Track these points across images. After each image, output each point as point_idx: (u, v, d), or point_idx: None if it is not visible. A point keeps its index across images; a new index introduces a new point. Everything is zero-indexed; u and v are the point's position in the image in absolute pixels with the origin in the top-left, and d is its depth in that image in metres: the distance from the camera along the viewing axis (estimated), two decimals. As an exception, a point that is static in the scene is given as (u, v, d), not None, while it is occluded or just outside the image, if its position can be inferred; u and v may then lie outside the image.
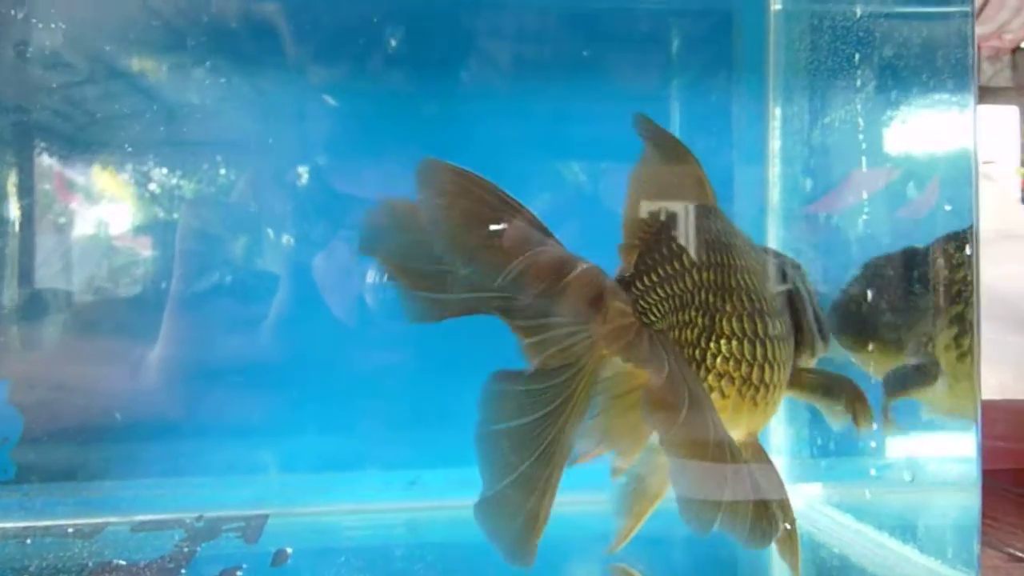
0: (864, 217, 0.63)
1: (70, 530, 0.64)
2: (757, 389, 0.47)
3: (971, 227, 0.50)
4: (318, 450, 0.73)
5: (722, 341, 0.45)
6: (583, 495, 0.71)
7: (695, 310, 0.45)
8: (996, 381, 0.84)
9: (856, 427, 0.52)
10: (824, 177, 0.68)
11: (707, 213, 0.48)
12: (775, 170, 0.73)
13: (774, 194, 0.73)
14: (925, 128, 0.55)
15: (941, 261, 0.53)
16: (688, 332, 0.45)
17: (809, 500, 0.70)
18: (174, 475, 0.70)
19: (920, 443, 0.61)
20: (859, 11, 0.59)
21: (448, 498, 0.71)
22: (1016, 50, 2.72)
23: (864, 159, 0.61)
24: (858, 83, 0.60)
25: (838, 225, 0.69)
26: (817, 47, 0.65)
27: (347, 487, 0.71)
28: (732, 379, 0.46)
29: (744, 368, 0.46)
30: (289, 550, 0.60)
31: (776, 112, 0.72)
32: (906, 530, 0.57)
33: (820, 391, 0.54)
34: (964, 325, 0.53)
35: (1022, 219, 0.91)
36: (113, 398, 0.70)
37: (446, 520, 0.70)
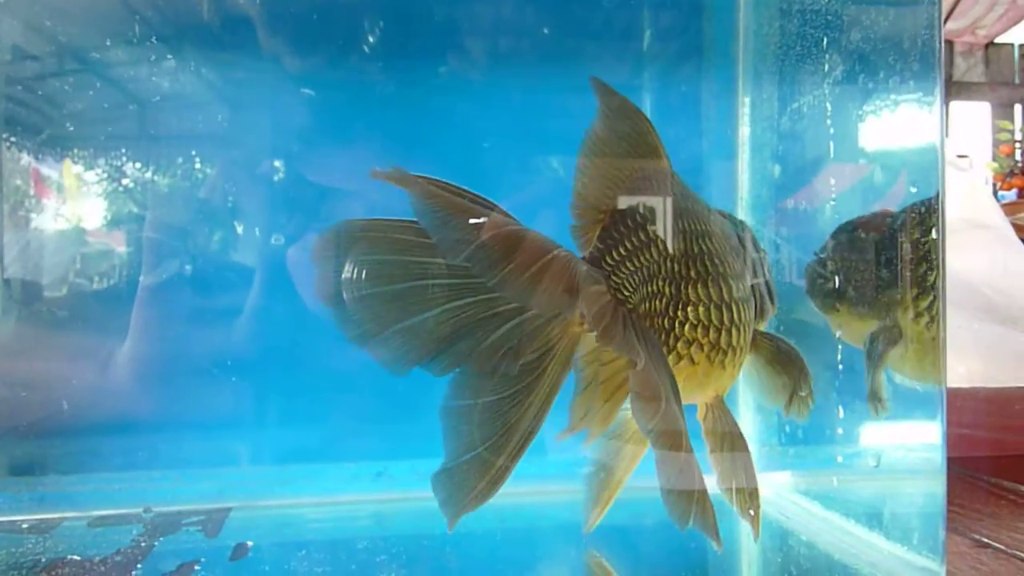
0: (831, 204, 0.63)
1: (25, 526, 0.63)
2: (725, 353, 0.46)
3: (937, 194, 0.50)
4: (283, 442, 0.71)
5: (689, 308, 0.45)
6: (554, 485, 0.71)
7: (662, 280, 0.44)
8: (964, 369, 0.84)
9: (786, 407, 0.52)
10: (793, 164, 0.68)
11: (665, 178, 0.47)
12: (745, 157, 0.73)
13: (744, 182, 0.73)
14: (892, 112, 0.55)
15: (909, 226, 0.53)
16: (657, 303, 0.44)
17: (778, 488, 0.69)
18: (134, 469, 0.68)
19: (886, 430, 0.61)
20: (828, -4, 0.59)
21: (415, 489, 0.70)
22: (989, 46, 2.75)
23: (832, 145, 0.60)
24: (826, 68, 0.60)
25: (808, 215, 0.69)
26: (786, 32, 0.65)
27: (312, 479, 0.70)
28: (701, 345, 0.45)
29: (712, 334, 0.46)
30: (249, 543, 0.59)
31: (746, 100, 0.72)
32: (872, 517, 0.57)
33: (769, 357, 0.53)
34: (929, 290, 0.53)
35: (989, 208, 0.92)
36: (71, 391, 0.69)
37: (413, 512, 0.69)
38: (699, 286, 0.45)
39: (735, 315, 0.47)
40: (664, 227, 0.45)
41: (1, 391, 0.67)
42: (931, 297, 0.53)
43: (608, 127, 0.45)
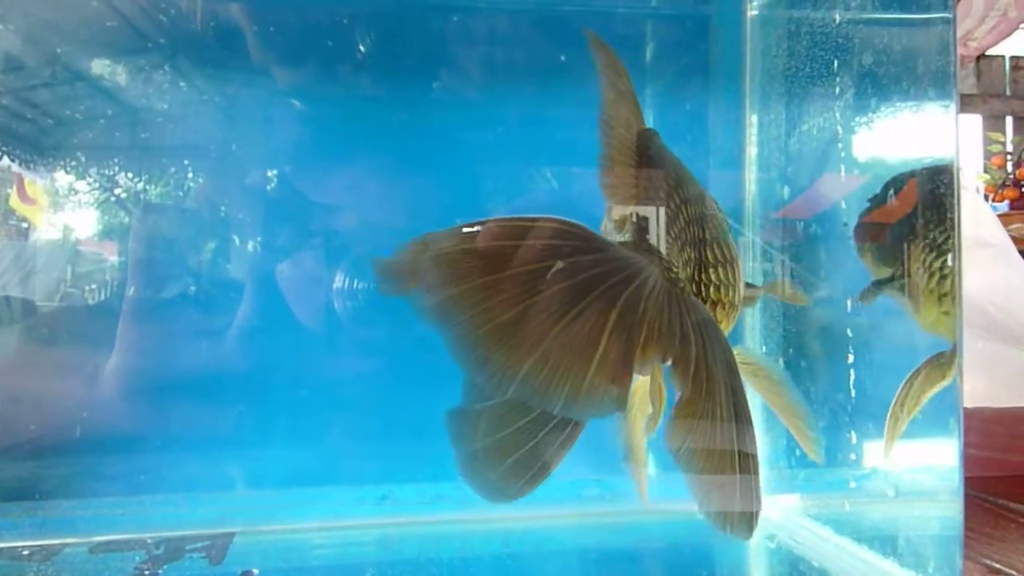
0: (844, 221, 0.62)
1: (25, 552, 0.61)
2: (735, 309, 0.46)
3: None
4: (285, 464, 0.70)
5: (710, 270, 0.44)
6: (560, 509, 0.71)
7: (690, 246, 0.44)
8: (967, 388, 0.84)
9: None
10: (802, 184, 0.68)
11: (657, 138, 0.47)
12: (751, 177, 0.73)
13: (750, 202, 0.73)
14: (905, 135, 0.55)
15: (928, 187, 0.53)
16: (689, 269, 0.43)
17: (787, 511, 0.69)
18: (135, 493, 0.67)
19: (901, 452, 0.61)
20: (838, 17, 0.59)
21: (422, 514, 0.69)
22: (980, 58, 2.77)
23: (843, 167, 0.60)
24: (836, 90, 0.59)
25: (815, 231, 0.69)
26: (794, 53, 0.65)
27: (316, 503, 0.69)
28: (723, 305, 0.45)
29: (726, 292, 0.45)
30: (256, 571, 0.58)
31: (753, 119, 0.72)
32: (886, 542, 0.57)
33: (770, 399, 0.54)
34: (942, 250, 0.52)
35: (992, 226, 0.92)
36: (70, 411, 0.68)
37: (420, 537, 0.68)
38: (713, 247, 0.45)
39: (736, 272, 0.47)
40: (682, 190, 0.44)
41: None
42: (946, 258, 0.52)
43: (611, 88, 0.44)
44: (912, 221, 0.54)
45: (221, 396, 0.69)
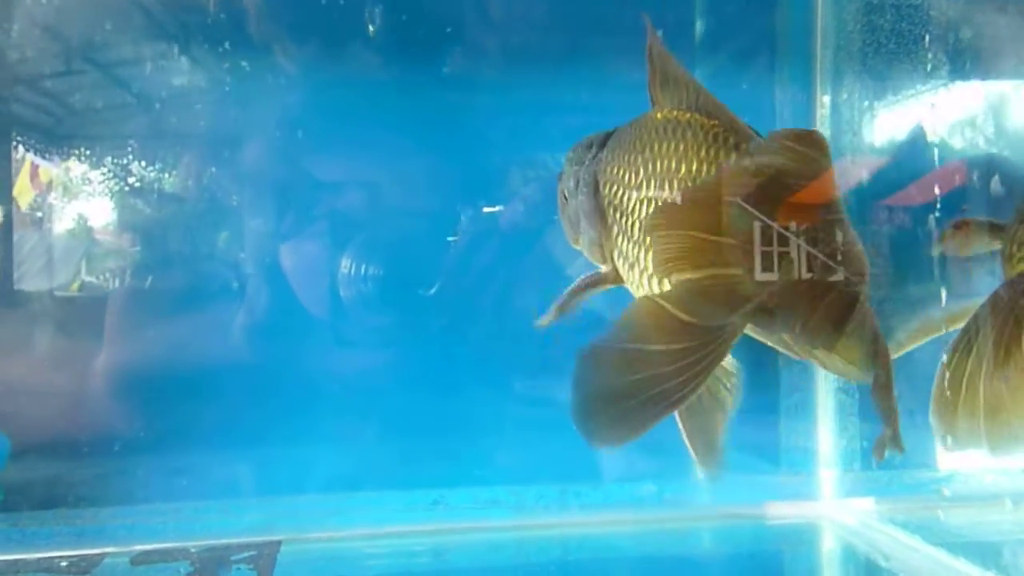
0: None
1: (63, 563, 0.59)
2: None
3: None
4: (333, 468, 0.67)
5: None
6: (618, 514, 0.67)
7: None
8: None
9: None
10: (883, 170, 0.63)
11: None
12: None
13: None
14: (1005, 119, 0.50)
15: None
16: None
17: (863, 517, 0.65)
18: (176, 499, 0.64)
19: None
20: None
21: (475, 519, 0.66)
22: None
23: (937, 152, 0.56)
24: (928, 67, 0.55)
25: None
26: (875, 27, 0.60)
27: (365, 508, 0.66)
28: None
29: None
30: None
31: (824, 100, 0.67)
32: (985, 552, 0.53)
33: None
34: None
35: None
36: (106, 412, 0.65)
37: (473, 544, 0.65)
38: None
39: None
40: None
41: (32, 406, 0.64)
42: None
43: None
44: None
45: (264, 397, 0.66)
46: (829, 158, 0.32)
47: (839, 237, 0.33)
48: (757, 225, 0.33)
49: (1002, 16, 0.49)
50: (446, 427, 0.67)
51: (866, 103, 0.64)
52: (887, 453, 0.42)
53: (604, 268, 0.45)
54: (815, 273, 0.33)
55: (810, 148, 0.32)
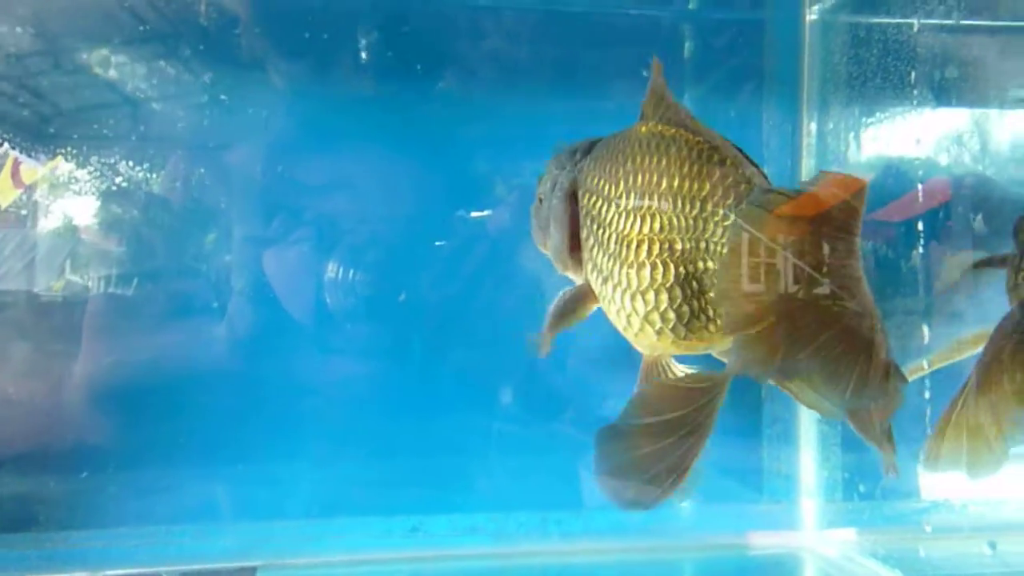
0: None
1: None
2: None
3: None
4: (310, 492, 0.66)
5: None
6: (601, 543, 0.67)
7: None
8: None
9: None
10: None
11: None
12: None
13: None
14: (992, 147, 0.50)
15: None
16: None
17: (844, 548, 0.65)
18: (150, 522, 0.63)
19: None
20: (916, 24, 0.54)
21: (455, 547, 0.65)
22: None
23: (920, 177, 0.56)
24: (913, 100, 0.55)
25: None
26: (861, 60, 0.60)
27: (342, 534, 0.65)
28: None
29: None
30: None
31: (811, 128, 0.67)
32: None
33: None
34: None
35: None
36: (78, 426, 0.63)
37: (453, 572, 0.64)
38: None
39: None
40: None
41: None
42: None
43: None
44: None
45: (242, 418, 0.65)
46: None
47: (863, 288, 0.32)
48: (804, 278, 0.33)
49: (987, 52, 0.49)
50: (426, 451, 0.67)
51: (852, 133, 0.64)
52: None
53: (576, 279, 0.45)
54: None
55: (852, 196, 0.32)
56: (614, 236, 0.40)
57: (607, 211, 0.41)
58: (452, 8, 0.70)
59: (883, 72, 0.57)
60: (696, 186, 0.37)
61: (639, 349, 0.42)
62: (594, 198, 0.42)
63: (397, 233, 0.68)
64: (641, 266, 0.39)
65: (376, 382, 0.67)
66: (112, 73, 0.64)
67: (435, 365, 0.68)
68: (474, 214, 0.69)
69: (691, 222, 0.37)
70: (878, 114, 0.60)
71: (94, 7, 0.63)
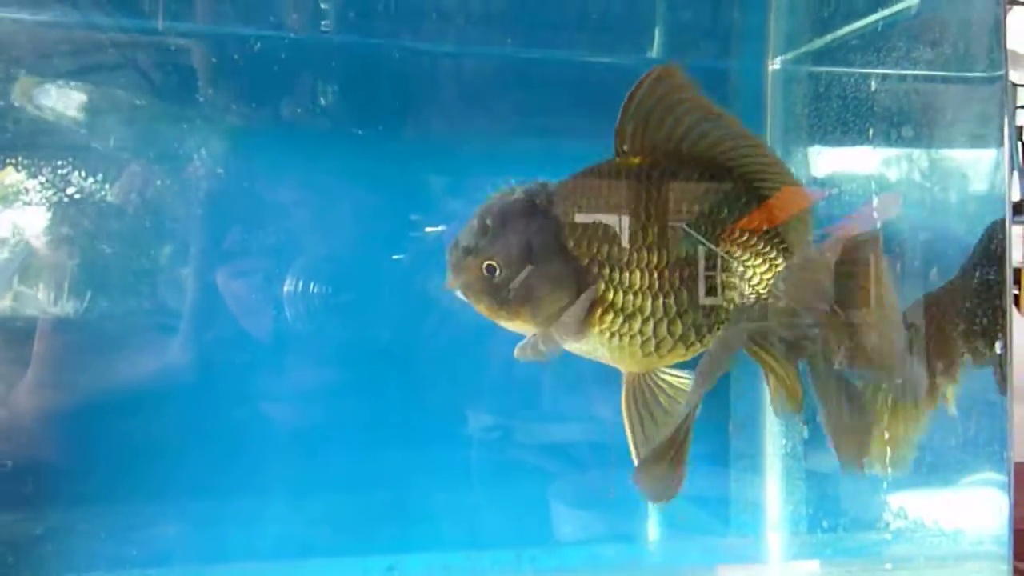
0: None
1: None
2: None
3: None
4: (283, 532, 0.66)
5: None
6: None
7: None
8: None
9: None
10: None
11: None
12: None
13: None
14: (951, 205, 0.54)
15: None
16: None
17: (809, 580, 0.67)
18: (118, 568, 0.61)
19: (944, 508, 0.59)
20: (872, 79, 0.58)
21: (431, 587, 0.65)
22: None
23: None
24: (868, 149, 0.58)
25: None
26: (822, 114, 0.63)
27: (318, 575, 0.64)
28: None
29: None
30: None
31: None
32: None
33: None
34: None
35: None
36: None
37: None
38: None
39: None
40: None
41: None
42: None
43: None
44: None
45: (212, 456, 0.64)
46: None
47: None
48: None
49: (945, 111, 0.52)
50: (403, 493, 0.67)
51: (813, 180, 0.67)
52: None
53: (570, 342, 0.46)
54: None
55: None
56: (639, 273, 0.43)
57: (622, 253, 0.43)
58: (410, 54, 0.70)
59: (843, 126, 0.61)
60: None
61: (634, 369, 0.44)
62: (599, 244, 0.43)
63: (359, 275, 0.68)
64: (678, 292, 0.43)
65: (350, 428, 0.67)
66: (64, 82, 0.62)
67: (406, 409, 0.68)
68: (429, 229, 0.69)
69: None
70: (838, 166, 0.63)
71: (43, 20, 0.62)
